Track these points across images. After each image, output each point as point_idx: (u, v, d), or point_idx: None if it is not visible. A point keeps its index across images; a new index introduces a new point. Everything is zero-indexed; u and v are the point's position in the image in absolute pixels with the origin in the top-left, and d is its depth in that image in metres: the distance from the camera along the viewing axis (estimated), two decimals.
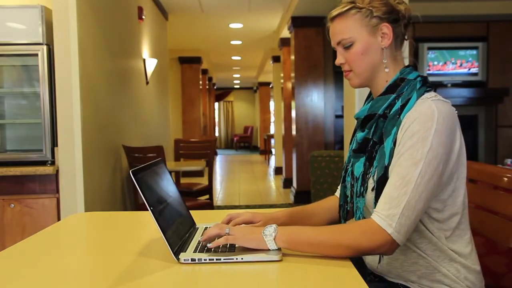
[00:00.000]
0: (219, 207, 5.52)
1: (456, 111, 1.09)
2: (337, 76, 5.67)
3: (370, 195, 1.11)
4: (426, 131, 1.01)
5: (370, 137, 1.13)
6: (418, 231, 1.09)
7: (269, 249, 1.01)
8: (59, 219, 2.65)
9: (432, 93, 1.09)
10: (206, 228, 1.22)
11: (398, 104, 1.09)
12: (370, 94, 1.25)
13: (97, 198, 2.92)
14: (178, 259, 0.99)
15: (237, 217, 1.21)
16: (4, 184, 2.62)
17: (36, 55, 2.66)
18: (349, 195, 1.20)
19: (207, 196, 4.20)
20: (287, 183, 6.88)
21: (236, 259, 0.99)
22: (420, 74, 1.15)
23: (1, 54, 2.72)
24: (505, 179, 1.24)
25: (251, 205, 5.72)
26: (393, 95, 1.11)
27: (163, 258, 1.01)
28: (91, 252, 1.19)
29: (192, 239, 1.13)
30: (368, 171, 1.12)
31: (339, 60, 1.18)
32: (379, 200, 1.03)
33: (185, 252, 1.03)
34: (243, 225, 1.17)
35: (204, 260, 0.99)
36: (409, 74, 1.13)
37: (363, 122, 1.16)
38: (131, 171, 0.99)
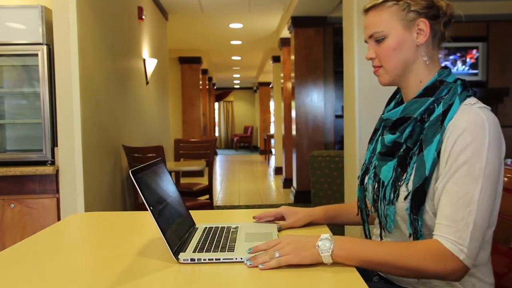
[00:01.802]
0: (219, 207, 5.52)
1: None
2: (337, 76, 5.67)
3: (401, 203, 1.04)
4: (480, 143, 0.95)
5: (402, 141, 1.06)
6: None
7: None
8: (59, 219, 2.65)
9: (474, 99, 1.03)
10: (206, 228, 1.23)
11: (440, 110, 1.02)
12: (395, 93, 1.20)
13: (97, 198, 2.92)
14: (177, 259, 0.99)
15: (274, 213, 1.28)
16: (4, 184, 2.62)
17: (36, 55, 2.66)
18: (371, 199, 1.16)
19: (207, 196, 4.20)
20: (287, 183, 6.88)
21: (236, 259, 0.99)
22: (459, 77, 1.08)
23: (1, 54, 2.72)
24: (505, 179, 1.24)
25: (251, 205, 5.72)
26: (431, 99, 1.04)
27: (162, 258, 1.01)
28: (91, 252, 1.19)
29: (191, 239, 1.13)
30: (401, 178, 1.05)
31: (369, 55, 1.12)
32: (440, 222, 0.96)
33: (184, 252, 1.03)
34: (289, 233, 1.10)
35: (204, 260, 0.99)
36: (447, 77, 1.07)
37: (394, 124, 1.09)
38: (131, 171, 0.99)
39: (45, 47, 2.66)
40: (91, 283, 0.93)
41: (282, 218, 1.29)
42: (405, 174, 1.05)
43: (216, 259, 0.99)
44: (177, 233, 1.09)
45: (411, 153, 1.05)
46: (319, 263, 0.96)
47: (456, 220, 0.94)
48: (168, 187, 1.20)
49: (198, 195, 4.15)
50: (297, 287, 0.89)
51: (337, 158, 4.03)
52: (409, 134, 1.05)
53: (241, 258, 0.99)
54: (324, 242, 0.95)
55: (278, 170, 8.65)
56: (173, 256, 0.99)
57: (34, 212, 2.63)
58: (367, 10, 1.11)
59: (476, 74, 5.07)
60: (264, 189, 7.19)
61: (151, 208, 0.99)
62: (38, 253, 1.13)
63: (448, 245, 0.93)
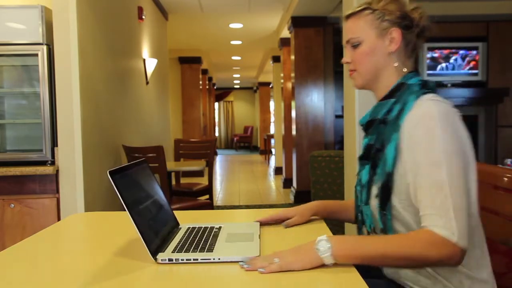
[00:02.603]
0: (219, 207, 5.52)
1: (460, 113, 1.06)
2: (337, 76, 5.67)
3: (373, 201, 1.11)
4: (431, 132, 0.99)
5: (373, 143, 1.13)
6: None
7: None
8: (59, 219, 2.65)
9: (431, 95, 1.07)
10: (189, 228, 1.23)
11: (397, 109, 1.08)
12: None
13: (97, 198, 2.92)
14: (155, 259, 1.00)
15: (269, 218, 1.30)
16: (4, 184, 2.62)
17: (36, 55, 2.66)
18: (357, 203, 1.21)
19: (207, 196, 4.20)
20: (287, 183, 6.88)
21: (213, 259, 0.99)
22: (422, 79, 1.13)
23: (1, 54, 2.72)
24: (505, 179, 1.24)
25: (251, 205, 5.72)
26: (393, 100, 1.11)
27: (143, 259, 1.02)
28: (90, 252, 1.19)
29: (173, 239, 1.13)
30: (373, 178, 1.11)
31: (345, 59, 1.19)
32: (423, 213, 0.98)
33: (163, 252, 1.03)
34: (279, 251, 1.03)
35: (182, 260, 0.99)
36: (410, 79, 1.12)
37: (366, 128, 1.17)
38: (108, 171, 0.99)
39: (45, 47, 2.66)
40: (91, 283, 0.93)
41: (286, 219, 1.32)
42: (375, 175, 1.10)
43: (194, 259, 0.99)
44: (158, 234, 1.09)
45: (379, 154, 1.10)
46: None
47: (436, 207, 0.96)
48: (151, 187, 1.20)
49: (198, 195, 4.15)
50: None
51: (337, 158, 4.03)
52: (377, 136, 1.12)
53: (219, 258, 0.99)
54: (323, 244, 0.95)
55: (278, 170, 8.65)
56: (151, 256, 0.99)
57: (34, 212, 2.63)
58: (347, 17, 1.19)
59: (476, 74, 5.07)
60: (264, 189, 7.19)
61: (129, 208, 0.99)
62: (38, 253, 1.13)
63: (439, 231, 0.94)
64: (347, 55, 1.19)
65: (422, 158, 0.99)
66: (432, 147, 0.98)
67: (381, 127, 1.11)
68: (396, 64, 1.14)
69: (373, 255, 0.96)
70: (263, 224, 1.31)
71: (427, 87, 1.10)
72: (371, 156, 1.13)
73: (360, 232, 1.24)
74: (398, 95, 1.11)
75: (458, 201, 0.96)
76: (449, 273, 1.05)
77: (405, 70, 1.15)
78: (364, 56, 1.14)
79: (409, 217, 1.06)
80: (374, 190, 1.10)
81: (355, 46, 1.16)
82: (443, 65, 5.05)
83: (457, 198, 0.96)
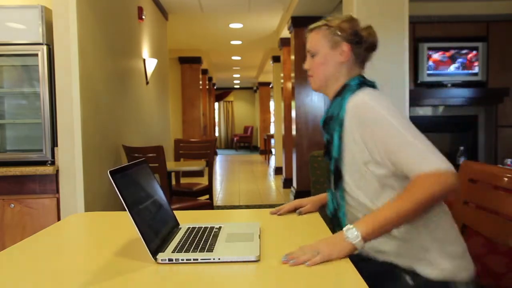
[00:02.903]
0: (219, 207, 5.52)
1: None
2: None
3: (332, 187, 1.31)
4: (374, 111, 1.17)
5: (328, 138, 1.32)
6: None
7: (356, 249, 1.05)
8: (59, 219, 2.65)
9: (365, 89, 1.25)
10: (189, 228, 1.23)
11: (338, 105, 1.28)
12: None
13: (97, 198, 2.92)
14: (156, 259, 1.00)
15: (287, 210, 1.47)
16: (4, 184, 2.62)
17: (36, 55, 2.66)
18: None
19: (207, 196, 4.20)
20: (287, 183, 6.88)
21: (213, 259, 1.00)
22: (363, 80, 1.31)
23: (1, 54, 2.72)
24: (505, 179, 1.24)
25: (251, 205, 5.72)
26: (339, 98, 1.30)
27: (143, 259, 1.02)
28: (91, 252, 1.19)
29: (173, 239, 1.14)
30: (330, 168, 1.30)
31: (305, 66, 1.40)
32: (410, 169, 1.10)
33: (163, 252, 1.03)
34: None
35: (182, 260, 1.00)
36: (352, 81, 1.31)
37: (323, 126, 1.35)
38: (109, 171, 1.00)
39: (45, 47, 2.66)
40: (91, 283, 0.93)
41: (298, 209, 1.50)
42: (331, 165, 1.30)
43: (194, 259, 1.00)
44: (158, 233, 1.10)
45: (331, 146, 1.29)
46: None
47: (413, 157, 1.10)
48: (151, 187, 1.20)
49: (198, 195, 4.15)
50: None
51: None
52: (327, 131, 1.32)
53: (219, 258, 0.99)
54: (352, 232, 1.05)
55: (278, 170, 8.65)
56: (151, 257, 0.99)
57: (34, 212, 2.63)
58: (310, 30, 1.38)
59: (476, 74, 5.07)
60: (264, 189, 7.19)
61: (130, 208, 0.99)
62: (38, 253, 1.13)
63: (429, 170, 1.07)
64: (307, 63, 1.39)
65: (380, 133, 1.15)
66: (382, 121, 1.15)
67: (330, 123, 1.30)
68: (344, 73, 1.34)
69: (392, 219, 1.07)
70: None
71: (365, 85, 1.28)
72: (328, 150, 1.32)
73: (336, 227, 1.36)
74: (342, 94, 1.30)
75: (424, 141, 1.11)
76: (405, 228, 1.17)
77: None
78: (319, 65, 1.35)
79: (361, 194, 1.23)
80: (332, 178, 1.31)
81: (313, 55, 1.36)
82: (443, 64, 5.04)
83: (422, 140, 1.12)
